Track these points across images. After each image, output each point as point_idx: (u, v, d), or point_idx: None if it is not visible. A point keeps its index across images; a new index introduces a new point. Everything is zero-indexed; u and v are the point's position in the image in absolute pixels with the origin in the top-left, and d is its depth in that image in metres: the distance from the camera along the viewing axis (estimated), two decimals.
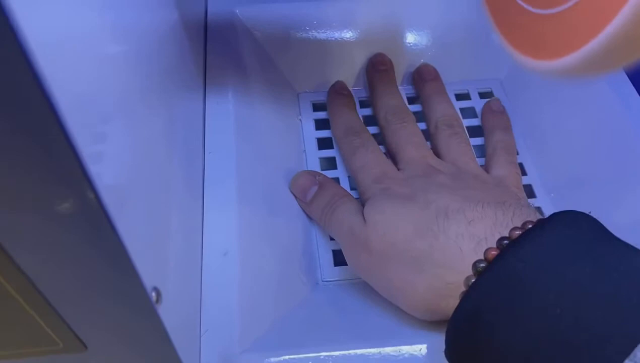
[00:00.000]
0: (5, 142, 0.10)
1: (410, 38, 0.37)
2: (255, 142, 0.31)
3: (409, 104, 0.36)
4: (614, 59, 0.18)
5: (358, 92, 0.37)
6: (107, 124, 0.14)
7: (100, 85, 0.14)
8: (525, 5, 0.20)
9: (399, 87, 0.36)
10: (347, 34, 0.37)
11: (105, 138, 0.13)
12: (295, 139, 0.34)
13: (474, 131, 0.35)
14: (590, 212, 0.21)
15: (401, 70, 0.37)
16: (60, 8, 0.11)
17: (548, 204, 0.32)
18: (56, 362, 0.17)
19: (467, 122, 0.35)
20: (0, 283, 0.13)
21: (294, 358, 0.23)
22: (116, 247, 0.12)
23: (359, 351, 0.23)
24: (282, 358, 0.23)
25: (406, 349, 0.23)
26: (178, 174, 0.22)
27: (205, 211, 0.26)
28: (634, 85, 0.31)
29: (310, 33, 0.37)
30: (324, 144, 0.35)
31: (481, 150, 0.34)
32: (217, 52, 0.33)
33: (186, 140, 0.25)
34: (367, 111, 0.36)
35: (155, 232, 0.17)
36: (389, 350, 0.23)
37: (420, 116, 0.35)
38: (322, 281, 0.29)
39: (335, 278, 0.29)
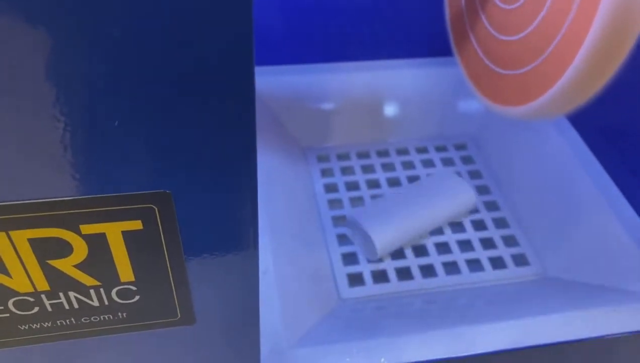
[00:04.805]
0: None
1: (394, 103, 0.45)
2: (276, 187, 0.37)
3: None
4: (559, 107, 0.25)
5: (352, 146, 0.44)
6: None
7: None
8: (496, 69, 0.27)
9: (381, 141, 0.43)
10: (344, 100, 0.44)
11: None
12: (306, 184, 0.41)
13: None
14: None
15: (386, 127, 0.45)
16: None
17: (520, 233, 0.39)
18: (155, 336, 0.22)
19: (446, 170, 0.43)
20: (165, 265, 0.18)
21: (328, 348, 0.28)
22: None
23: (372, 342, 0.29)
24: (318, 347, 0.28)
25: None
26: None
27: None
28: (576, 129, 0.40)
29: (313, 100, 0.44)
30: (329, 188, 0.41)
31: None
32: None
33: None
34: (363, 161, 0.43)
35: None
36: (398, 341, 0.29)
37: (409, 180, 0.43)
38: (340, 298, 0.34)
39: (352, 296, 0.34)
